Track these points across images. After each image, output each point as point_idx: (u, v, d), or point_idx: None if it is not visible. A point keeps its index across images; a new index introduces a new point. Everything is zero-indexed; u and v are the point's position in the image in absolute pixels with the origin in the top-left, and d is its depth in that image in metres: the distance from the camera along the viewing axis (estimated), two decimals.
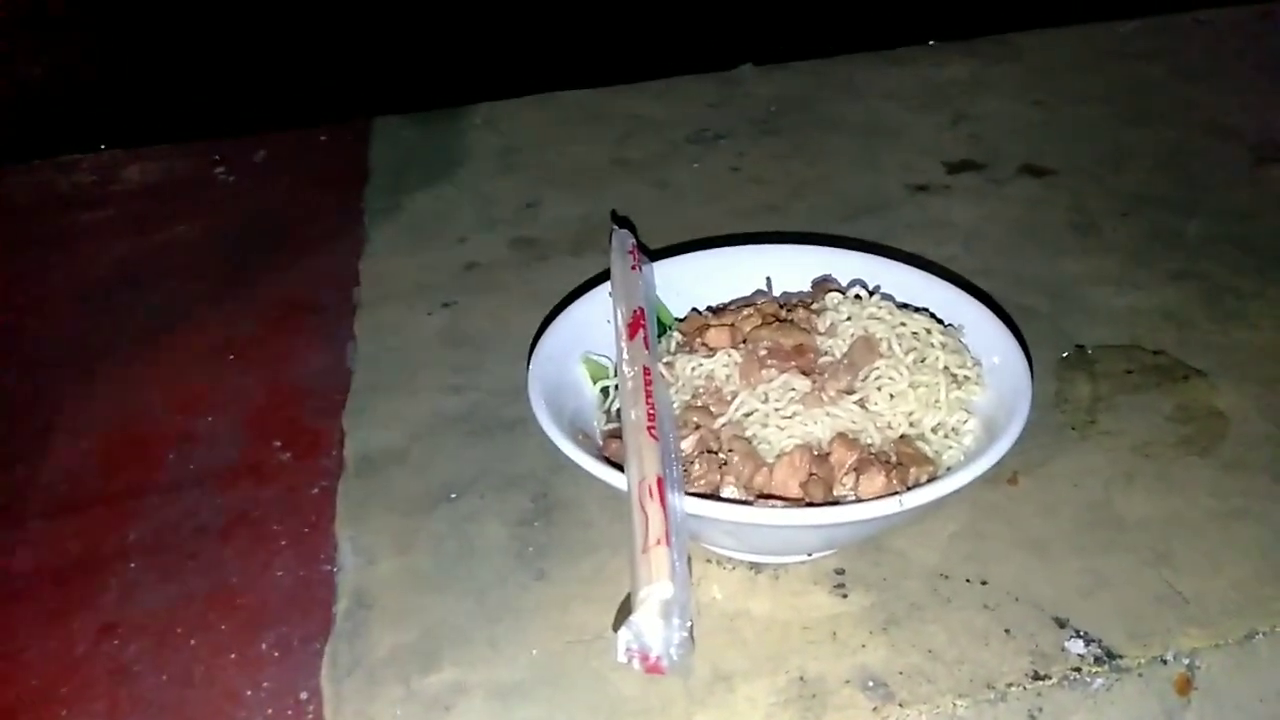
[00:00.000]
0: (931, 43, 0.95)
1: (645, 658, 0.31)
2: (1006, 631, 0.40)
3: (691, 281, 0.51)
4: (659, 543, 0.33)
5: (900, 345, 0.43)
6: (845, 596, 0.42)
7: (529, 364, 0.45)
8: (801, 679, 0.39)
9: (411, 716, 0.39)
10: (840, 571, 0.43)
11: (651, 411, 0.39)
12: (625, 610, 0.33)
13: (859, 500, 0.39)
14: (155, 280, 0.68)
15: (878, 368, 0.42)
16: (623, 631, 0.32)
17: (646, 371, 0.42)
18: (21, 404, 0.57)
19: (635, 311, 0.46)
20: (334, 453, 0.52)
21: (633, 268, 0.50)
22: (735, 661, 0.40)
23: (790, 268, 0.51)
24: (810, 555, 0.42)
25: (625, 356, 0.43)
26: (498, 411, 0.54)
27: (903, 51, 0.95)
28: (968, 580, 0.42)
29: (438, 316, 0.63)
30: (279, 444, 0.53)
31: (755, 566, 0.43)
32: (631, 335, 0.44)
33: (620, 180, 0.77)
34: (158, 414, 0.56)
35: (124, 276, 0.69)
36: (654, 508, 0.34)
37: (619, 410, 0.46)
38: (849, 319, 0.44)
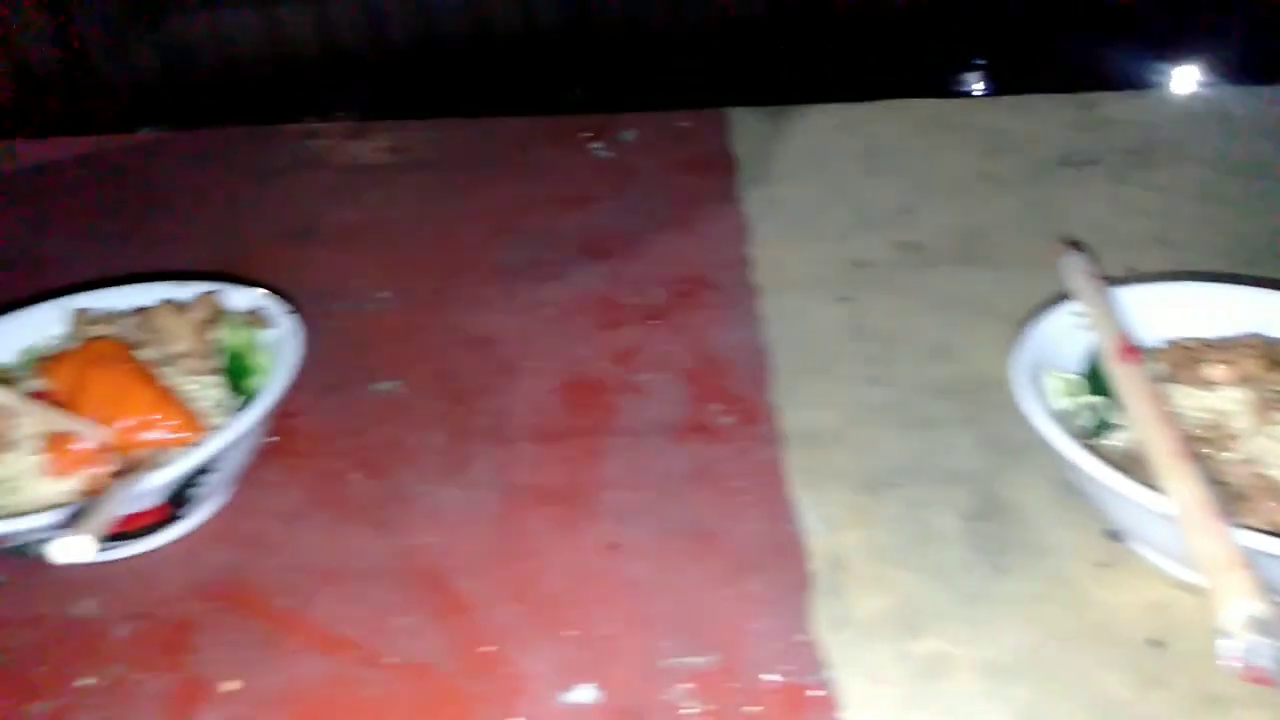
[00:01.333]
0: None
1: (1252, 668, 0.34)
2: None
3: (1144, 311, 0.52)
4: (1242, 564, 0.35)
5: None
6: None
7: (1011, 375, 0.48)
8: None
9: (908, 675, 0.43)
10: None
11: (1176, 436, 0.41)
12: (1220, 624, 0.35)
13: None
14: (557, 242, 0.76)
15: None
16: (1229, 642, 0.35)
17: (1155, 396, 0.44)
18: (480, 344, 0.66)
19: (1123, 335, 0.48)
20: (770, 424, 0.57)
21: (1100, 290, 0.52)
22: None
23: (1258, 310, 0.51)
24: None
25: (1126, 382, 0.45)
26: (920, 408, 0.57)
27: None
28: None
29: (838, 308, 0.67)
30: (719, 408, 0.59)
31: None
32: (1125, 358, 0.46)
33: (992, 194, 0.78)
34: (600, 365, 0.63)
35: (527, 233, 0.77)
36: (1221, 530, 0.37)
37: (1091, 428, 0.48)
38: None
